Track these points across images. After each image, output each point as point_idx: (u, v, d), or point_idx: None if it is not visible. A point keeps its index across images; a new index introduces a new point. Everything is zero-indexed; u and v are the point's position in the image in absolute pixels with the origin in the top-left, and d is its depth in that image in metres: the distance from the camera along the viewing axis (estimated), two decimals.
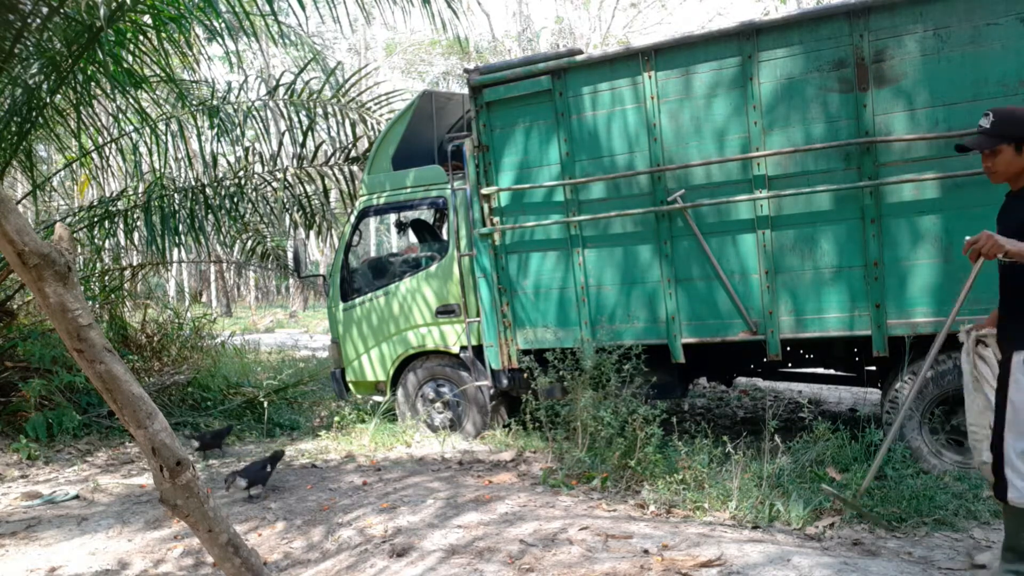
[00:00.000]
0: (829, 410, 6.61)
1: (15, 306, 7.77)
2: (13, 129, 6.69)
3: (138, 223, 7.88)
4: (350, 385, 6.83)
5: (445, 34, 6.70)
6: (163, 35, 6.67)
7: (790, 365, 5.81)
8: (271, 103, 8.09)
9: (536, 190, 5.46)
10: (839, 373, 5.86)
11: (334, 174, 8.50)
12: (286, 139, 8.29)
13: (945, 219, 4.35)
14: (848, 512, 3.83)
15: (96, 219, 7.92)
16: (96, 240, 8.01)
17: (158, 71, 6.97)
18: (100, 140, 7.93)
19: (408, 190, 6.34)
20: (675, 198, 4.97)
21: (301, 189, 8.52)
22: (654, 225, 5.10)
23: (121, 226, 7.93)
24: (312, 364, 10.79)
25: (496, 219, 5.63)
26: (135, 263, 9.83)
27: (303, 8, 6.02)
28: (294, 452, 6.23)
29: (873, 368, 5.43)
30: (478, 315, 5.88)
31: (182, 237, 7.87)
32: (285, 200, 8.44)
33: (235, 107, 7.92)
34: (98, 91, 7.01)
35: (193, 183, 8.03)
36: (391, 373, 6.50)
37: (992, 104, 4.15)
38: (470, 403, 6.20)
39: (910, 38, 4.33)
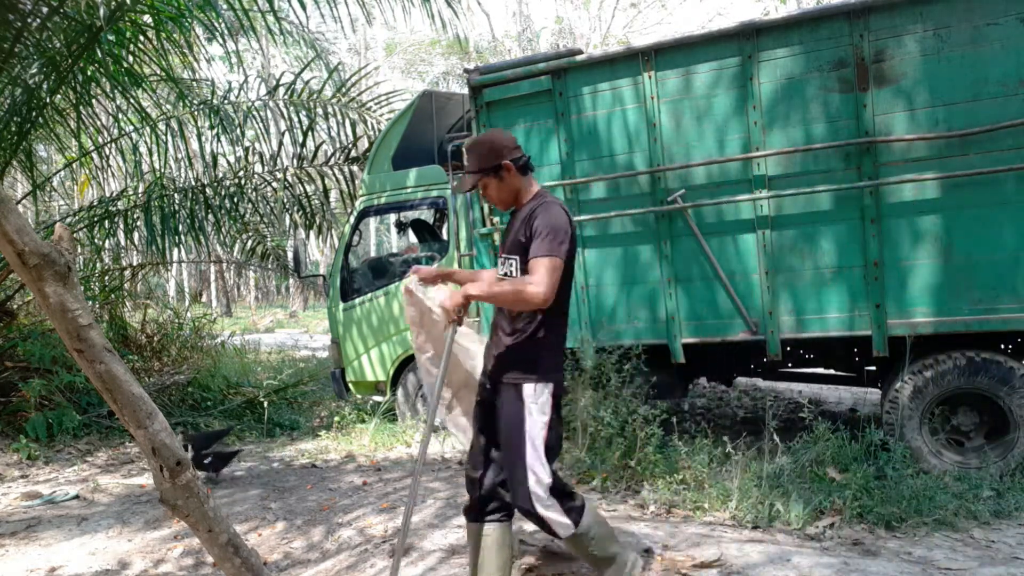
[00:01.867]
0: (829, 410, 6.61)
1: (15, 306, 7.77)
2: (13, 129, 6.69)
3: (138, 223, 7.87)
4: (350, 385, 6.83)
5: (445, 34, 6.70)
6: (163, 35, 6.67)
7: (790, 365, 5.81)
8: (271, 103, 8.09)
9: None
10: (839, 373, 5.86)
11: (334, 174, 8.50)
12: (286, 139, 8.29)
13: (945, 219, 4.35)
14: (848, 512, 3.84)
15: (96, 219, 7.92)
16: (96, 240, 8.01)
17: (158, 71, 6.97)
18: (100, 140, 7.93)
19: (408, 190, 6.34)
20: (675, 198, 4.97)
21: (301, 189, 8.52)
22: (654, 225, 5.10)
23: (121, 226, 7.92)
24: (312, 364, 10.79)
25: (496, 219, 5.63)
26: (135, 263, 9.83)
27: (303, 7, 6.02)
28: (294, 452, 6.23)
29: (873, 368, 5.44)
30: (478, 315, 5.88)
31: (182, 237, 7.86)
32: (285, 200, 8.44)
33: (235, 107, 7.92)
34: (98, 91, 7.01)
35: (193, 183, 8.03)
36: (391, 373, 6.50)
37: (992, 104, 4.17)
38: None
39: (910, 38, 4.33)
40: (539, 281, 2.50)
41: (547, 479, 2.65)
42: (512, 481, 2.72)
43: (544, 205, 2.68)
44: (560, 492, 2.72)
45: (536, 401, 2.66)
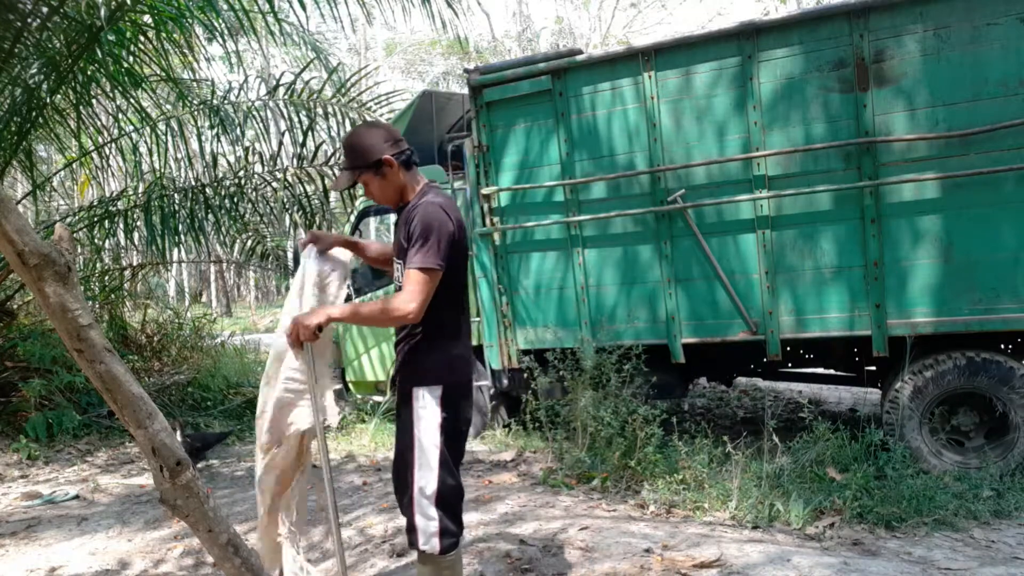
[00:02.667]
0: (829, 410, 6.61)
1: (15, 306, 7.77)
2: (13, 129, 6.68)
3: (138, 223, 7.87)
4: (350, 385, 6.83)
5: (445, 34, 6.69)
6: (163, 35, 6.67)
7: (790, 365, 5.82)
8: (271, 103, 8.08)
9: (536, 190, 5.46)
10: (839, 373, 5.86)
11: (334, 174, 8.49)
12: (286, 139, 8.28)
13: (945, 219, 4.35)
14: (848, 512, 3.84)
15: (96, 219, 7.91)
16: (96, 240, 8.01)
17: (158, 71, 6.96)
18: (100, 140, 7.92)
19: None
20: (675, 198, 4.97)
21: (301, 189, 8.51)
22: (654, 225, 5.11)
23: (121, 226, 7.92)
24: None
25: (496, 219, 5.63)
26: (135, 263, 9.82)
27: (303, 8, 6.01)
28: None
29: (873, 368, 5.44)
30: (478, 315, 5.88)
31: (182, 237, 7.86)
32: (285, 200, 8.43)
33: (235, 107, 7.91)
34: (98, 91, 7.00)
35: (193, 183, 8.02)
36: (391, 373, 6.50)
37: (992, 104, 4.17)
38: None
39: (910, 38, 4.33)
40: (409, 298, 2.34)
41: (432, 486, 2.45)
42: (401, 485, 2.56)
43: (423, 204, 2.44)
44: (448, 508, 2.48)
45: (424, 407, 2.47)
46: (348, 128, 8.41)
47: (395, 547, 3.69)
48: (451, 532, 2.49)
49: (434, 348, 2.51)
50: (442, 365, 2.51)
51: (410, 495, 2.49)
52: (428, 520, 2.46)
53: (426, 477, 2.47)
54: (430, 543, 2.46)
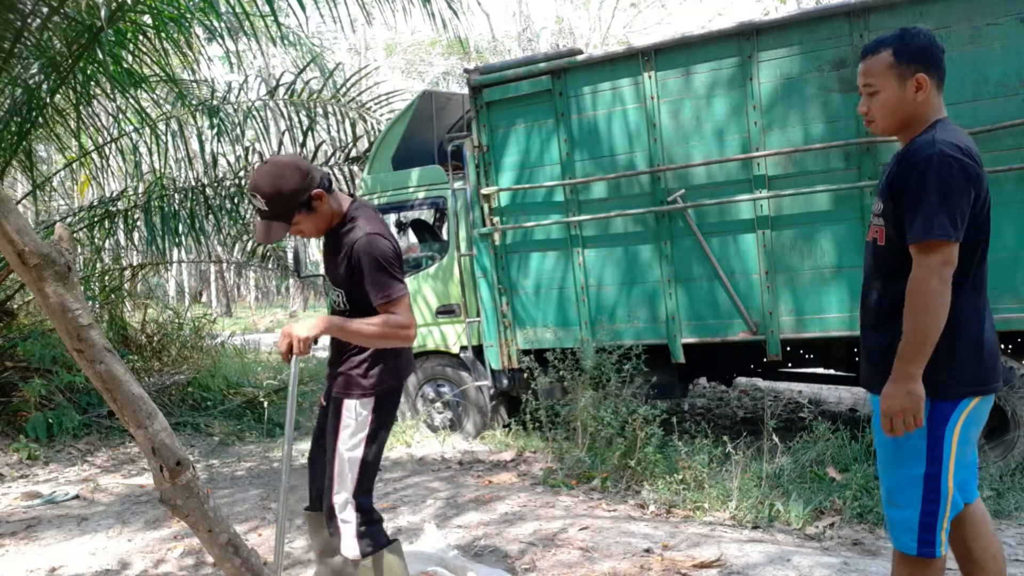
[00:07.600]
0: (829, 410, 6.61)
1: (15, 306, 7.77)
2: (13, 129, 6.68)
3: (138, 223, 7.87)
4: None
5: (445, 33, 6.69)
6: (163, 35, 6.67)
7: (790, 365, 5.81)
8: (271, 103, 8.08)
9: (536, 190, 5.46)
10: (839, 373, 5.86)
11: (334, 174, 8.49)
12: (286, 139, 8.28)
13: None
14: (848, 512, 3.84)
15: (96, 219, 7.92)
16: (96, 240, 8.01)
17: (158, 71, 6.97)
18: (100, 140, 7.92)
19: (408, 190, 6.34)
20: (675, 198, 4.97)
21: None
22: (654, 225, 5.11)
23: (121, 226, 7.92)
24: (312, 364, 10.78)
25: (496, 219, 5.63)
26: (135, 263, 9.83)
27: (303, 8, 6.01)
28: (294, 452, 6.22)
29: None
30: (478, 315, 5.89)
31: (182, 237, 7.86)
32: None
33: (235, 107, 7.92)
34: (98, 91, 7.00)
35: (193, 183, 8.03)
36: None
37: (992, 104, 4.17)
38: (470, 403, 6.20)
39: None
40: (409, 319, 2.41)
41: (348, 493, 2.52)
42: (326, 483, 2.61)
43: (361, 237, 2.41)
44: (366, 514, 2.55)
45: (355, 418, 2.54)
46: (348, 128, 8.41)
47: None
48: (371, 535, 2.53)
49: (377, 359, 2.56)
50: (381, 376, 2.57)
51: (329, 499, 2.55)
52: (347, 525, 2.51)
53: (346, 485, 2.53)
54: (351, 548, 2.51)
